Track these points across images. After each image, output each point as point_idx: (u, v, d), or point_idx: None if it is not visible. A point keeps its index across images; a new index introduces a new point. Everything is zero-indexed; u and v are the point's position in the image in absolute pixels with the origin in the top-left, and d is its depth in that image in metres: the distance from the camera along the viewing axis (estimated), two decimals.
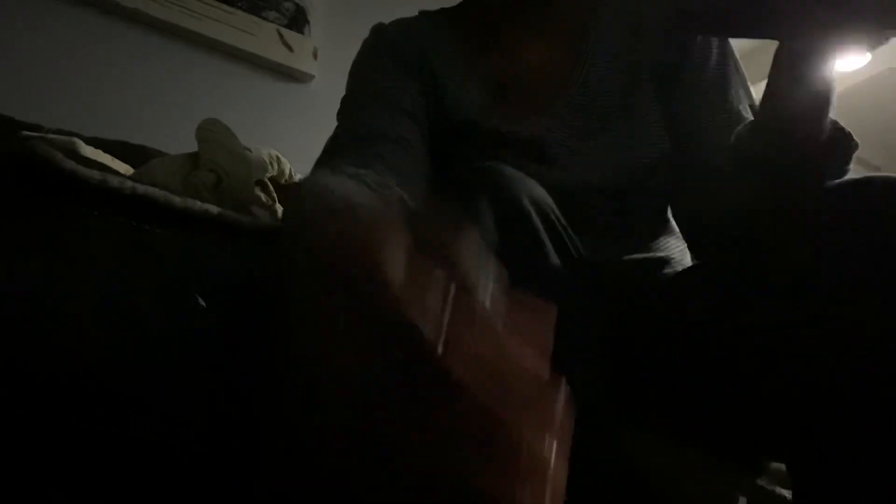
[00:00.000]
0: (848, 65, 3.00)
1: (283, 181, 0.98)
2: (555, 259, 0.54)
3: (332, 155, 0.68)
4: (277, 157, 0.95)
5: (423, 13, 0.87)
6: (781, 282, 0.53)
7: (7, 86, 1.34)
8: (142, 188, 0.58)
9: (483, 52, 0.79)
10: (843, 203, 0.51)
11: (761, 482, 0.82)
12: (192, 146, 0.94)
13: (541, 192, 0.57)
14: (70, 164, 0.56)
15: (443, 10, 0.87)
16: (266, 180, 0.91)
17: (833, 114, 0.59)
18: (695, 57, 0.75)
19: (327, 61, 1.83)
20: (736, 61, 0.77)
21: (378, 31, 0.84)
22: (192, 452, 0.55)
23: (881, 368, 0.45)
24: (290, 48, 1.78)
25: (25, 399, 0.51)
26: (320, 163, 0.67)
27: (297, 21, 1.83)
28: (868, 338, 0.46)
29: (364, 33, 0.90)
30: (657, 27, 0.77)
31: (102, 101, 1.47)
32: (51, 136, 0.81)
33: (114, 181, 0.57)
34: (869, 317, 0.46)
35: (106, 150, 0.77)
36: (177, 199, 0.60)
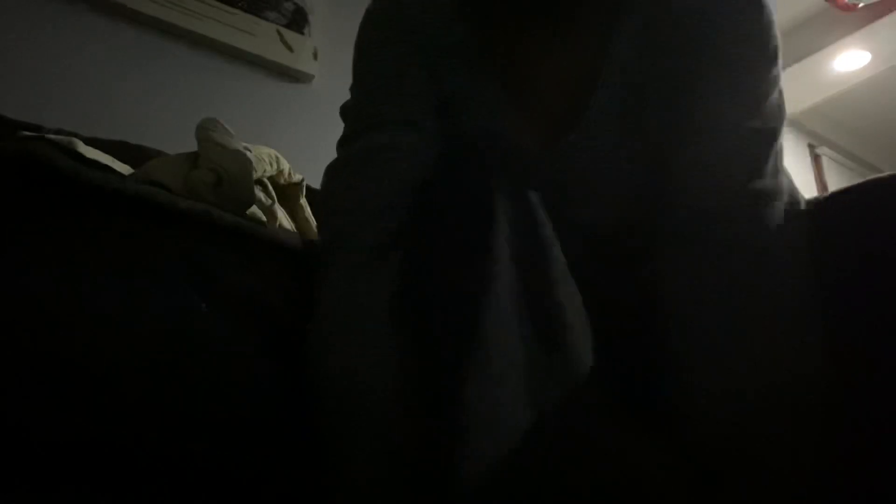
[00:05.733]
0: (848, 65, 3.00)
1: (282, 181, 0.98)
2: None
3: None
4: (277, 158, 0.95)
5: None
6: None
7: (7, 86, 1.34)
8: (143, 189, 0.58)
9: (489, 49, 0.71)
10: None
11: None
12: (192, 146, 0.94)
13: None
14: (71, 165, 0.56)
15: None
16: (265, 180, 0.91)
17: None
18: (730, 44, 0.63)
19: (327, 61, 1.83)
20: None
21: None
22: (192, 457, 0.55)
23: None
24: (290, 48, 1.78)
25: (24, 402, 0.51)
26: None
27: (297, 21, 1.83)
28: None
29: None
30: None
31: (102, 101, 1.47)
32: (50, 136, 0.81)
33: (115, 182, 0.57)
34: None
35: (105, 150, 0.77)
36: (181, 202, 0.59)
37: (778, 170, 0.61)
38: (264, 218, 0.78)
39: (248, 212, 0.74)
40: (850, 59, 2.86)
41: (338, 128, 0.76)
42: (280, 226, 0.89)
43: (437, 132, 0.68)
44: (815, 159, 3.33)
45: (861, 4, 2.62)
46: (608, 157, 0.68)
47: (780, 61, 0.64)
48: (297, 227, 0.98)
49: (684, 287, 0.58)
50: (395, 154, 0.66)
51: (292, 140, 1.50)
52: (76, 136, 0.89)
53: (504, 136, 0.69)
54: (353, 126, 0.72)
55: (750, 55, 0.63)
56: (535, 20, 0.69)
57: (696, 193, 0.60)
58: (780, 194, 0.59)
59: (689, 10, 0.64)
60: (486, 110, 0.70)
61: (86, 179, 0.56)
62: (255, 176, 0.83)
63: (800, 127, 3.30)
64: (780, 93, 0.64)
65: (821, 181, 3.21)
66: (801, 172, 3.18)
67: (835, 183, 3.14)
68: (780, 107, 0.64)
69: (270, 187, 0.90)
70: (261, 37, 1.74)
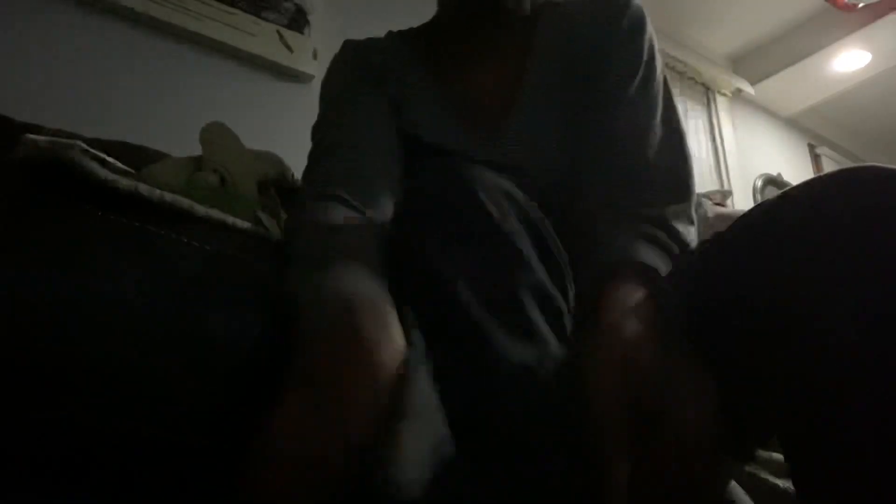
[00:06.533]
0: (848, 65, 3.01)
1: (285, 185, 0.98)
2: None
3: (317, 183, 0.73)
4: (281, 163, 0.95)
5: (391, 33, 0.92)
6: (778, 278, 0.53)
7: (7, 86, 1.34)
8: (170, 196, 0.59)
9: (439, 75, 0.85)
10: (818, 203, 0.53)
11: (749, 468, 0.82)
12: (193, 146, 0.94)
13: (513, 190, 0.60)
14: (98, 170, 0.57)
15: (411, 30, 0.93)
16: (269, 184, 0.91)
17: None
18: (618, 73, 0.77)
19: (327, 61, 1.83)
20: (661, 82, 0.78)
21: (348, 46, 0.91)
22: (195, 455, 0.55)
23: (880, 357, 0.45)
24: (290, 48, 1.78)
25: (61, 406, 0.52)
26: (308, 195, 0.73)
27: (297, 21, 1.84)
28: (866, 329, 0.46)
29: (364, 34, 0.91)
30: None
31: (102, 101, 1.47)
32: (53, 138, 0.81)
33: (144, 189, 0.58)
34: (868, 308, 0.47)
35: (106, 151, 0.77)
36: (201, 209, 0.61)
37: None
38: (272, 220, 0.78)
39: (253, 215, 0.75)
40: (850, 59, 2.87)
41: None
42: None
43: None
44: (815, 159, 3.34)
45: (861, 4, 2.63)
46: (541, 133, 0.79)
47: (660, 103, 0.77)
48: None
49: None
50: (373, 123, 0.78)
51: (292, 140, 1.49)
52: (77, 136, 0.89)
53: (449, 129, 0.83)
54: (333, 122, 0.82)
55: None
56: (471, 49, 0.85)
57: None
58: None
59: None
60: (434, 113, 0.83)
61: (113, 186, 0.57)
62: (259, 178, 0.84)
63: (800, 127, 3.30)
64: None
65: None
66: (802, 172, 3.19)
67: None
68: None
69: (274, 192, 0.90)
70: (261, 37, 1.74)
